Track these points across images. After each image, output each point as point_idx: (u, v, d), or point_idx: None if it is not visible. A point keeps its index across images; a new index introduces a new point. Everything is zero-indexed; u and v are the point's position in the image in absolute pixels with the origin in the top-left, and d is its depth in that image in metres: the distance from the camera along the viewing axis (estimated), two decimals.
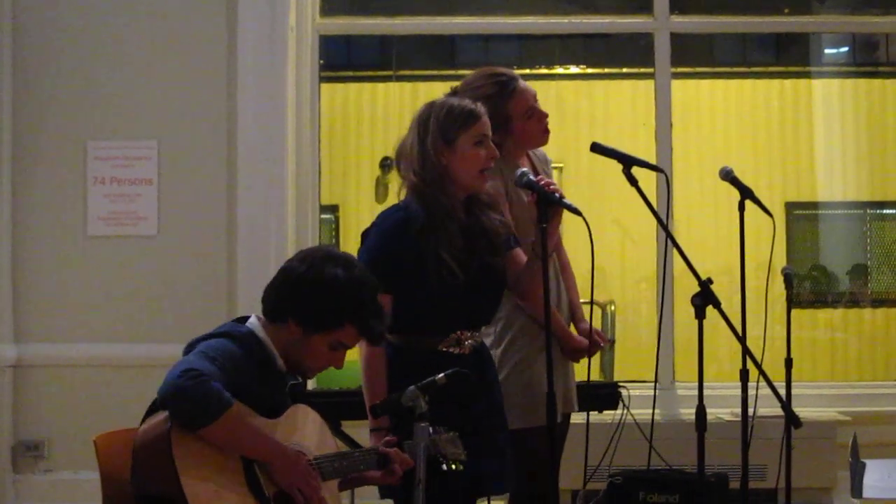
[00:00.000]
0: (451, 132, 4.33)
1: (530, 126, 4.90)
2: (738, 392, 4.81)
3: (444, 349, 4.34)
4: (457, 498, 4.32)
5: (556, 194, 4.15)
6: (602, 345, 4.98)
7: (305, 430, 3.85)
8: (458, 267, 4.26)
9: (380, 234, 4.37)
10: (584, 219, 4.40)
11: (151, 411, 3.62)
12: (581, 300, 5.09)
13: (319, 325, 3.80)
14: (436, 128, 4.34)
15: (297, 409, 3.87)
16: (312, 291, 3.80)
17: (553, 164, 5.20)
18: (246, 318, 3.91)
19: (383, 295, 4.02)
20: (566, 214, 4.27)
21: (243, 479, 3.59)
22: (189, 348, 3.73)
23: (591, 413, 5.47)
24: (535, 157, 5.10)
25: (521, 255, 4.48)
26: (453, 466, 4.02)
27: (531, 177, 4.19)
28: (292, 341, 3.82)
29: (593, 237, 4.15)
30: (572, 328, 5.00)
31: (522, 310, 4.74)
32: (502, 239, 4.43)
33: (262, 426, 3.68)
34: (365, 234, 4.44)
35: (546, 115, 4.96)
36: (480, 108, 4.44)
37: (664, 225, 4.50)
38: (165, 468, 3.45)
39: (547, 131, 4.97)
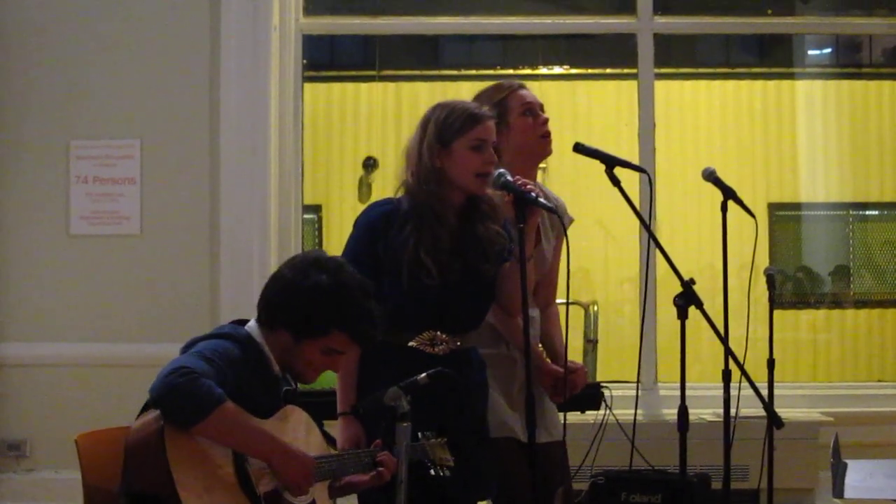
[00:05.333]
0: (448, 135, 4.32)
1: (527, 124, 4.83)
2: (721, 393, 4.79)
3: (414, 346, 4.33)
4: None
5: (533, 194, 4.15)
6: (578, 385, 4.87)
7: (295, 432, 3.85)
8: (436, 268, 4.26)
9: (364, 222, 4.39)
10: (561, 218, 4.42)
11: (145, 411, 3.62)
12: (560, 301, 5.02)
13: (307, 332, 3.80)
14: (433, 130, 4.34)
15: (288, 411, 3.87)
16: (297, 299, 3.80)
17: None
18: (246, 321, 3.91)
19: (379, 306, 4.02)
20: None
21: (234, 479, 3.59)
22: (186, 347, 3.73)
23: (574, 413, 5.49)
24: (549, 199, 4.99)
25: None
26: (441, 472, 4.03)
27: (508, 177, 4.19)
28: (285, 347, 3.83)
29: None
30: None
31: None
32: (496, 248, 4.41)
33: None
34: (355, 223, 4.46)
35: (546, 121, 4.89)
36: (484, 112, 4.41)
37: (647, 225, 4.49)
38: (159, 466, 3.45)
39: (546, 137, 4.87)
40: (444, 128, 4.33)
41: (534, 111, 4.84)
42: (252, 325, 3.88)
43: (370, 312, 3.85)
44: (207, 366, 3.56)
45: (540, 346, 4.93)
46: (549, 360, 4.83)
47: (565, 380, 4.64)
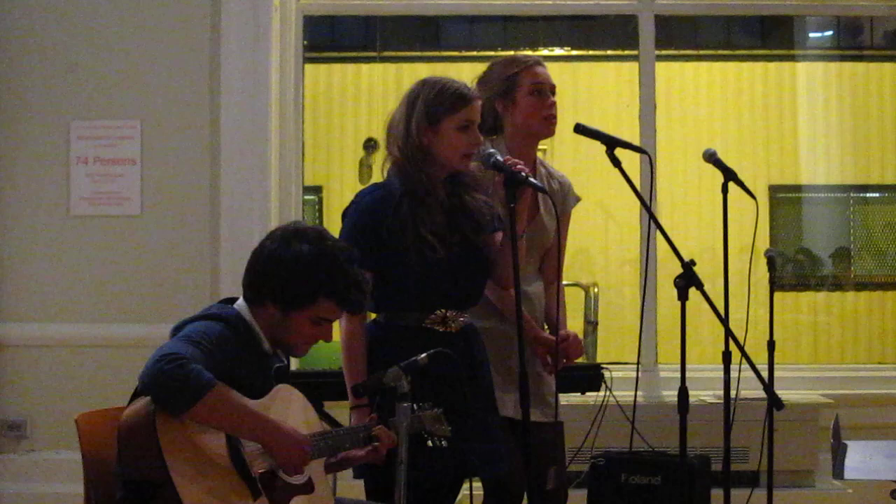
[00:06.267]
0: (437, 113, 4.33)
1: (532, 103, 4.84)
2: (721, 374, 4.80)
3: (429, 326, 4.34)
4: (441, 478, 4.33)
5: (523, 174, 4.16)
6: (571, 355, 4.87)
7: (289, 410, 3.85)
8: (438, 243, 4.27)
9: (359, 211, 4.39)
10: (552, 198, 4.43)
11: (136, 397, 3.61)
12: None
13: (293, 302, 3.80)
14: (422, 107, 4.35)
15: (280, 390, 3.86)
16: (280, 270, 3.80)
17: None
18: (234, 300, 3.91)
19: (364, 272, 4.02)
20: None
21: (229, 462, 3.59)
22: (176, 330, 3.73)
23: (574, 395, 5.50)
24: (553, 177, 5.04)
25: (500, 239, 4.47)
26: (438, 443, 4.03)
27: (498, 157, 4.20)
28: (274, 322, 3.82)
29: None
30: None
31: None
32: (487, 218, 4.42)
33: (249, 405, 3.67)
34: (345, 214, 4.45)
35: (552, 104, 4.90)
36: (473, 92, 4.42)
37: (647, 207, 4.50)
38: (151, 453, 3.44)
39: (549, 119, 4.87)
40: (432, 106, 4.34)
41: (542, 92, 4.85)
42: (240, 304, 3.88)
43: (355, 277, 3.85)
44: (195, 349, 3.54)
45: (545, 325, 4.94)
46: (542, 330, 4.84)
47: (556, 348, 4.66)
